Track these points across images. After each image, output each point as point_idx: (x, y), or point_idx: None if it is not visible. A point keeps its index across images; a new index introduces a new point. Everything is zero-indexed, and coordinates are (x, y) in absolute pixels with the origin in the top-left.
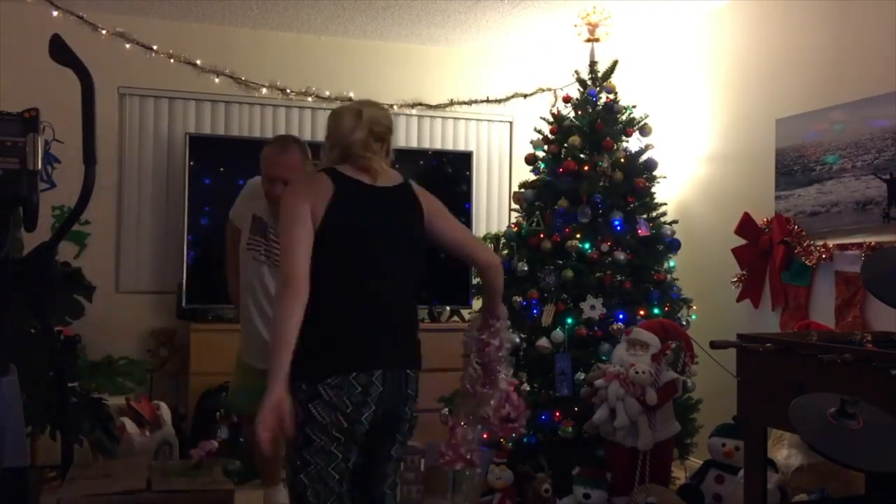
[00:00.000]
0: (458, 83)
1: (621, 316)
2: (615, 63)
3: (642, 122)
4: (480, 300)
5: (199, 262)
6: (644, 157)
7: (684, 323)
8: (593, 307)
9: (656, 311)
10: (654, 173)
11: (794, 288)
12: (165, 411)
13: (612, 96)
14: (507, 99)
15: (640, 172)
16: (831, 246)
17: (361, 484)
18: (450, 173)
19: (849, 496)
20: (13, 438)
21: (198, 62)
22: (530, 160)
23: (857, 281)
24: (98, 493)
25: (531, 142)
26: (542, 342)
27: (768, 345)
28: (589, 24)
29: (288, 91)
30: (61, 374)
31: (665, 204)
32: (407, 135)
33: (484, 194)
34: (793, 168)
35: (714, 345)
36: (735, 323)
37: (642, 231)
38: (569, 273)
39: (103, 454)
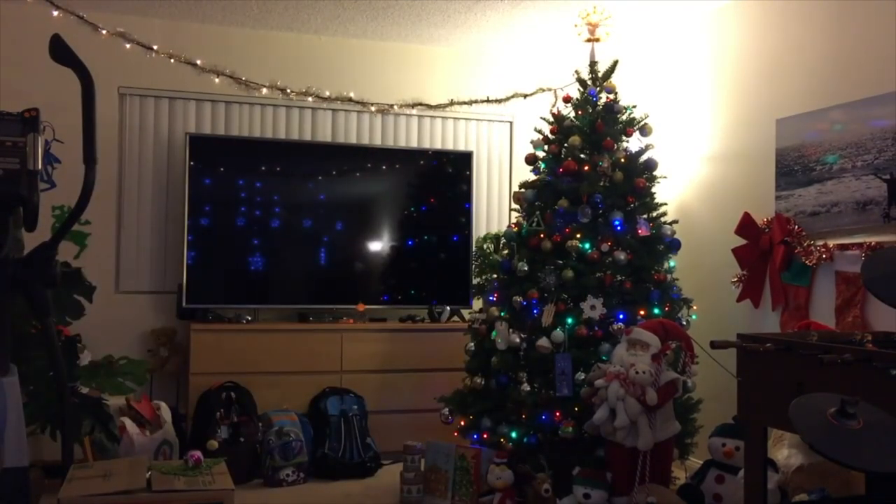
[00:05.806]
0: (458, 83)
1: (621, 316)
2: (615, 63)
3: (642, 122)
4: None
5: (199, 262)
6: (644, 157)
7: (684, 323)
8: (593, 307)
9: (656, 311)
10: (655, 173)
11: (794, 288)
12: (165, 411)
13: (612, 96)
14: (507, 99)
15: (641, 172)
16: (831, 246)
17: None
18: (450, 173)
19: (849, 496)
20: (13, 438)
21: (198, 62)
22: (530, 160)
23: (858, 281)
24: (98, 493)
25: (531, 142)
26: (543, 342)
27: (768, 345)
28: (589, 23)
29: (288, 91)
30: (61, 374)
31: (665, 204)
32: (407, 135)
33: (484, 194)
34: (793, 168)
35: (714, 345)
36: (735, 323)
37: (642, 231)
38: (569, 273)
39: (103, 454)
